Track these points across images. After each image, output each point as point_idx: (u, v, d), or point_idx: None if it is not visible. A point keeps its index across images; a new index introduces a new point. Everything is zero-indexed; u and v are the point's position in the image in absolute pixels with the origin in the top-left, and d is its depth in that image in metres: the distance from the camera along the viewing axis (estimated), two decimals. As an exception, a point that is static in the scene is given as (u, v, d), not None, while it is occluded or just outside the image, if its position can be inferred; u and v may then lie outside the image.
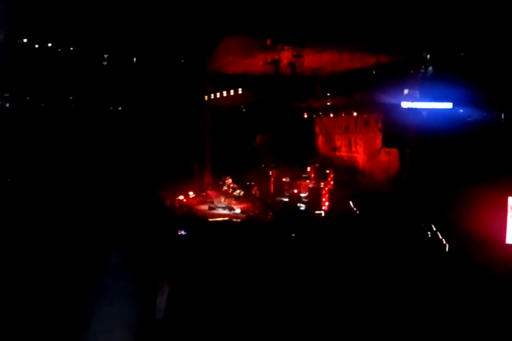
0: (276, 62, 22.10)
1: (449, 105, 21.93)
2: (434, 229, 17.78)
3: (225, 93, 28.79)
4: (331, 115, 27.96)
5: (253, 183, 27.03)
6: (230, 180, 28.69)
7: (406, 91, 21.90)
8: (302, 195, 25.98)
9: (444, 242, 17.14)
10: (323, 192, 23.86)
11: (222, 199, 26.41)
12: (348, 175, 25.50)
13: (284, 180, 27.60)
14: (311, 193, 25.17)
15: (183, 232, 16.34)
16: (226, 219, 22.78)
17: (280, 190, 26.68)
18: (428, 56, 22.25)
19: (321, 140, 30.65)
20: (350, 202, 21.74)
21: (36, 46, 27.21)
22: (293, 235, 17.61)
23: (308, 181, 27.28)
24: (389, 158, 23.75)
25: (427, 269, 13.50)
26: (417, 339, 9.41)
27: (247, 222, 21.63)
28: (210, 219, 22.21)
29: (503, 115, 22.64)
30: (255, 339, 8.04)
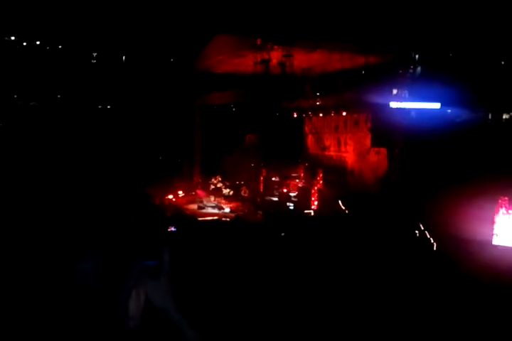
0: (266, 62, 22.10)
1: (437, 105, 22.12)
2: (422, 228, 17.92)
3: (214, 92, 28.73)
4: (321, 115, 28.03)
5: (242, 182, 27.05)
6: (220, 179, 28.69)
7: (395, 92, 22.05)
8: (291, 194, 26.04)
9: (432, 241, 17.28)
10: (313, 191, 23.92)
11: (212, 199, 26.39)
12: (337, 174, 25.59)
13: (273, 179, 27.63)
14: (300, 192, 25.24)
15: (173, 229, 16.26)
16: (215, 218, 22.76)
17: (270, 189, 26.71)
18: (417, 56, 22.40)
19: (310, 139, 30.72)
20: (339, 202, 21.81)
21: (24, 44, 26.97)
22: (282, 234, 17.65)
23: (297, 180, 27.35)
24: (378, 158, 23.88)
25: (414, 267, 13.60)
26: (404, 335, 9.49)
27: (237, 221, 21.63)
28: (200, 219, 22.18)
29: (490, 115, 22.89)
30: None
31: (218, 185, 28.12)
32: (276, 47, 21.58)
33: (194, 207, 24.97)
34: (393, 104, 21.61)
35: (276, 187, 27.24)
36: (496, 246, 16.09)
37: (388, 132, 22.45)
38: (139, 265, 1.16)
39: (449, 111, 22.30)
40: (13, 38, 27.00)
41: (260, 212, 22.54)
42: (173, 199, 25.31)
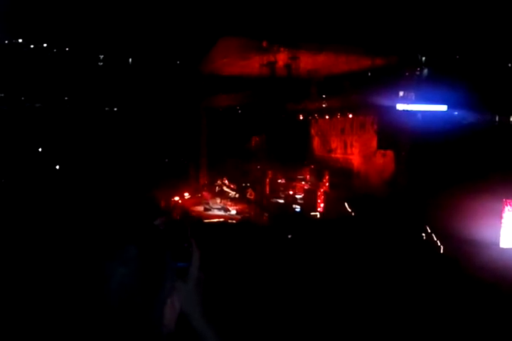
0: (272, 64, 22.10)
1: (443, 107, 22.04)
2: (429, 230, 17.86)
3: (220, 94, 28.75)
4: (327, 117, 28.02)
5: (248, 184, 27.03)
6: (226, 181, 28.70)
7: (401, 94, 21.99)
8: (297, 196, 26.00)
9: (439, 244, 17.21)
10: (319, 193, 23.87)
11: (218, 201, 26.39)
12: (343, 176, 25.52)
13: (279, 181, 27.60)
14: (306, 195, 25.19)
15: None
16: (221, 220, 22.76)
17: (276, 191, 26.68)
18: (423, 58, 22.35)
19: (316, 141, 30.71)
20: (346, 204, 21.77)
21: (31, 46, 27.12)
22: (289, 236, 17.64)
23: (303, 183, 27.30)
24: (384, 160, 23.82)
25: (421, 270, 13.55)
26: (411, 337, 9.47)
27: (243, 223, 21.62)
28: (206, 220, 22.18)
29: (497, 117, 22.79)
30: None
31: (224, 187, 28.14)
32: (282, 49, 21.60)
33: (200, 208, 24.99)
34: (400, 106, 21.56)
35: (282, 189, 27.20)
36: (503, 248, 16.02)
37: (394, 134, 22.38)
38: (174, 270, 1.16)
39: (456, 113, 22.22)
40: (20, 40, 27.16)
41: (266, 214, 22.50)
42: (180, 201, 25.34)
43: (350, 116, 26.10)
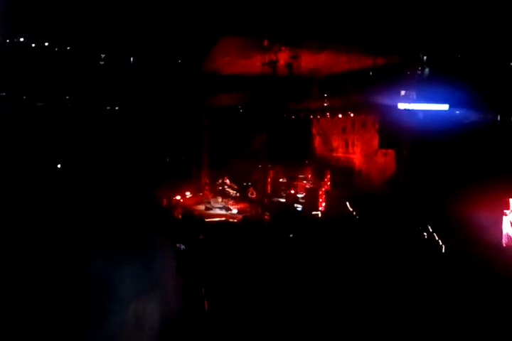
0: (273, 63, 22.10)
1: (445, 107, 22.06)
2: (431, 230, 17.86)
3: (222, 94, 28.75)
4: (328, 116, 28.02)
5: (250, 184, 27.05)
6: (227, 180, 28.72)
7: (403, 93, 22.00)
8: (299, 195, 26.01)
9: (441, 243, 17.22)
10: (320, 192, 23.88)
11: (219, 200, 26.41)
12: (344, 175, 25.55)
13: (281, 180, 27.61)
14: (307, 194, 25.20)
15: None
16: (223, 219, 22.77)
17: (277, 190, 26.70)
18: (425, 58, 22.35)
19: (317, 141, 30.72)
20: (347, 203, 21.78)
21: (33, 45, 27.12)
22: (290, 236, 17.64)
23: (305, 182, 27.32)
24: (385, 159, 23.85)
25: (423, 269, 13.56)
26: (413, 338, 9.47)
27: (244, 222, 21.62)
28: (207, 220, 22.18)
29: (499, 117, 22.80)
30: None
31: (226, 187, 28.16)
32: (283, 48, 21.59)
33: (202, 208, 25.01)
34: (401, 106, 21.57)
35: (283, 188, 27.22)
36: (506, 247, 16.02)
37: (396, 133, 22.42)
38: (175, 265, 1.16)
39: (458, 112, 22.24)
40: (22, 39, 27.15)
41: (268, 213, 22.52)
42: (181, 200, 25.36)
43: (352, 115, 26.11)
